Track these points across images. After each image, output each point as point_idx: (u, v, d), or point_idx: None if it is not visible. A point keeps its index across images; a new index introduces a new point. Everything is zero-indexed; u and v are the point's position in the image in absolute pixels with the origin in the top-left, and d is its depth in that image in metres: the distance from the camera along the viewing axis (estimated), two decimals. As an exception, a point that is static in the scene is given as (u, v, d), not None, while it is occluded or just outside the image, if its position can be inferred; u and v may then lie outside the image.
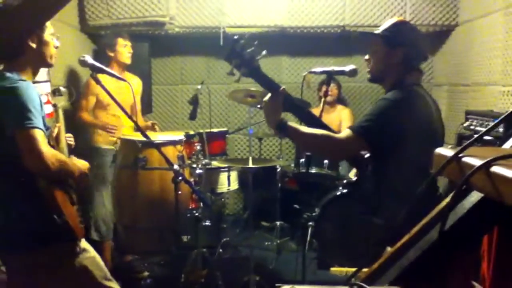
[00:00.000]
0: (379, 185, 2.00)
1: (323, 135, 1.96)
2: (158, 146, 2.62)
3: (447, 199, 0.83)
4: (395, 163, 1.87)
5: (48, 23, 1.99)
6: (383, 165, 1.94)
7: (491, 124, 2.36)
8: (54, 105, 2.31)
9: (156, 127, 3.83)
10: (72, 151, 2.29)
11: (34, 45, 1.92)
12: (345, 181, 3.38)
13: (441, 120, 2.08)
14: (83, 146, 3.50)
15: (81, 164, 2.06)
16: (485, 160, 0.67)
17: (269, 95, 1.97)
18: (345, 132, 1.96)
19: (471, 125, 3.04)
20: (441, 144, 2.07)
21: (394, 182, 1.89)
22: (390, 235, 1.01)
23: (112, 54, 3.72)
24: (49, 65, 2.06)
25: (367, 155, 2.03)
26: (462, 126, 3.13)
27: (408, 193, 1.05)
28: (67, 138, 2.27)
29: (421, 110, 1.96)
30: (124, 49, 3.74)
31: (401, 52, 2.00)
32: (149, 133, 3.41)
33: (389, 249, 0.97)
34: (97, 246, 3.51)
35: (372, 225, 1.98)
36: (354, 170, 3.37)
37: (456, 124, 3.73)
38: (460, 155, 0.75)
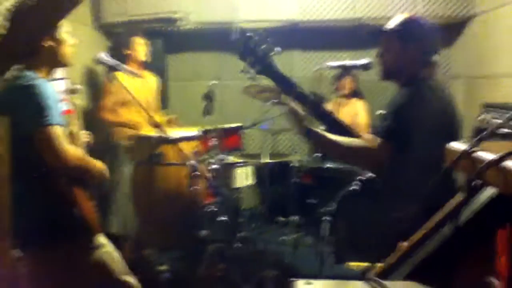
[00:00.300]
0: (395, 181, 1.99)
1: (353, 146, 1.96)
2: (174, 142, 2.64)
3: (461, 194, 0.83)
4: (411, 159, 1.86)
5: (64, 21, 2.02)
6: (399, 161, 1.93)
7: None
8: (71, 103, 2.35)
9: (175, 121, 3.88)
10: (90, 148, 2.33)
11: (49, 44, 1.95)
12: (361, 177, 3.36)
13: (457, 114, 2.06)
14: (102, 142, 3.55)
15: (100, 164, 2.09)
16: (497, 155, 0.67)
17: (291, 102, 1.97)
18: (372, 140, 1.96)
19: (489, 118, 2.99)
20: (456, 138, 2.05)
21: (409, 178, 1.88)
22: (405, 231, 1.01)
23: (128, 53, 3.78)
24: (65, 64, 2.09)
25: None
26: (479, 119, 3.08)
27: (423, 189, 1.05)
28: (84, 136, 2.30)
29: (436, 105, 1.94)
30: (140, 47, 3.80)
31: (416, 48, 1.98)
32: (165, 129, 3.45)
33: (403, 244, 0.97)
34: (118, 240, 3.57)
35: (388, 221, 1.97)
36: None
37: (474, 117, 3.68)
38: (473, 149, 0.75)
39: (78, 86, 2.36)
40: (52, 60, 2.00)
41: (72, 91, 2.35)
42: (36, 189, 1.88)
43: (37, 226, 1.88)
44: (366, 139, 2.01)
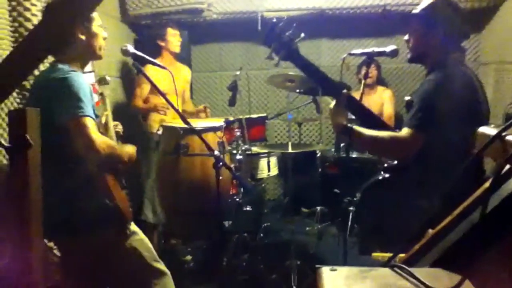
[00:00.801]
0: (423, 168, 1.97)
1: (387, 138, 1.95)
2: (199, 132, 2.65)
3: (490, 180, 0.80)
4: (440, 145, 1.84)
5: (96, 15, 2.05)
6: (427, 147, 1.91)
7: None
8: (101, 94, 2.39)
9: (208, 110, 3.92)
10: (122, 137, 2.37)
11: (83, 37, 1.99)
12: (386, 165, 3.32)
13: (486, 100, 2.02)
14: (135, 132, 3.62)
15: (129, 148, 2.13)
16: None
17: (334, 102, 1.97)
18: (404, 131, 1.93)
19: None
20: (486, 124, 2.01)
21: (438, 165, 1.86)
22: (432, 219, 0.99)
23: (163, 44, 3.84)
24: (98, 57, 2.13)
25: None
26: (510, 106, 3.00)
27: (452, 175, 1.03)
28: (115, 126, 2.34)
29: (465, 90, 1.91)
30: (174, 39, 3.85)
31: (441, 32, 1.96)
32: (191, 119, 3.48)
33: (430, 231, 0.95)
34: (150, 228, 3.65)
35: (415, 209, 1.95)
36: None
37: (505, 104, 3.58)
38: (503, 133, 0.73)
39: (108, 77, 2.40)
40: (86, 53, 2.05)
41: (102, 82, 2.39)
42: (70, 179, 1.92)
43: (72, 215, 1.93)
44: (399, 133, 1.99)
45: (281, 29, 1.93)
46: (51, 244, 2.50)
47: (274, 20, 1.95)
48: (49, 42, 1.95)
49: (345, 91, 1.95)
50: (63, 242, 2.07)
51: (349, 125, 1.93)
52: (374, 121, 2.05)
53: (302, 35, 1.97)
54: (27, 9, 2.47)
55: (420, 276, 0.80)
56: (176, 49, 3.89)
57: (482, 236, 0.79)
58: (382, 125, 2.05)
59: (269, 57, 1.99)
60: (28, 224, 1.26)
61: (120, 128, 2.38)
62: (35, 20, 2.46)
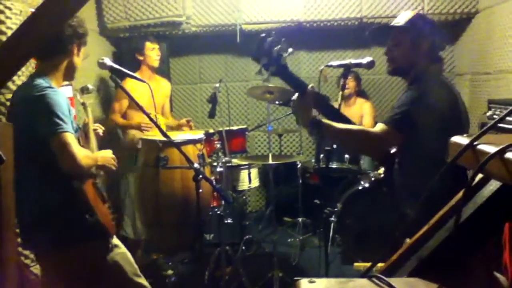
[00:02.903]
0: (406, 178, 1.98)
1: (359, 130, 1.95)
2: (179, 145, 2.64)
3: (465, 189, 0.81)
4: (422, 155, 1.85)
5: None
6: (410, 158, 1.92)
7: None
8: (83, 104, 2.35)
9: (191, 123, 3.91)
10: (101, 139, 2.34)
11: (75, 52, 2.00)
12: (372, 179, 3.34)
13: (465, 110, 2.05)
14: (112, 146, 3.58)
15: (104, 152, 2.12)
16: (500, 147, 0.66)
17: (297, 94, 1.95)
18: (378, 126, 1.94)
19: (494, 114, 2.97)
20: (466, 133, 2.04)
21: (421, 174, 1.87)
22: (412, 228, 1.00)
23: (141, 58, 3.82)
24: (71, 78, 2.10)
25: (393, 150, 2.01)
26: (485, 116, 3.06)
27: (429, 184, 1.04)
28: (96, 127, 2.31)
29: (448, 100, 1.94)
30: (152, 53, 3.83)
31: (426, 44, 1.99)
32: (170, 132, 3.45)
33: (408, 240, 0.96)
34: (130, 243, 3.59)
35: (397, 219, 1.96)
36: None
37: (479, 113, 3.66)
38: (476, 142, 0.74)
39: (90, 86, 2.37)
40: (68, 69, 2.03)
41: (84, 91, 2.36)
42: (52, 193, 1.91)
43: (53, 229, 1.91)
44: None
45: (270, 44, 1.90)
46: (28, 261, 2.45)
47: (263, 34, 1.92)
48: (30, 47, 1.91)
49: (311, 85, 1.92)
50: (44, 256, 2.03)
51: (317, 117, 1.89)
52: (344, 120, 2.04)
53: (290, 49, 1.95)
54: (2, 22, 2.44)
55: (397, 286, 0.80)
56: (155, 63, 3.87)
57: (458, 245, 0.80)
58: (348, 123, 2.04)
59: (259, 72, 1.96)
60: (1, 241, 1.23)
61: (101, 128, 2.36)
62: (10, 33, 2.43)
